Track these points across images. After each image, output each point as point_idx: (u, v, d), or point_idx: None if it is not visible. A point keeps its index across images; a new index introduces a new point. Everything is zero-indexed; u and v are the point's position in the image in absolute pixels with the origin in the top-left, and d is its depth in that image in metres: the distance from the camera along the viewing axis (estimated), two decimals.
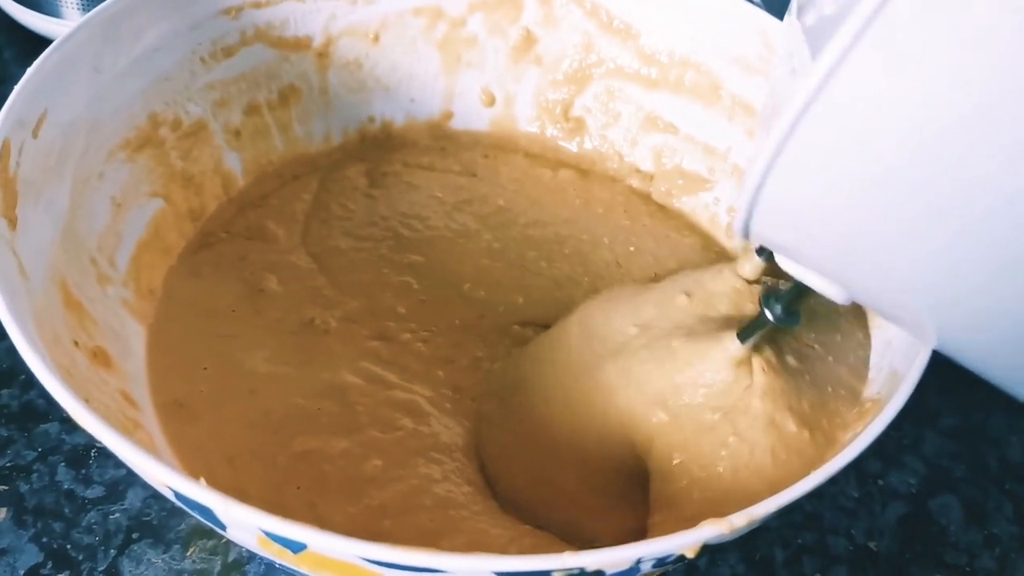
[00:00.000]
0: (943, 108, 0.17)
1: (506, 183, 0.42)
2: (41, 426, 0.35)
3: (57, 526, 0.33)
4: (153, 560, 0.32)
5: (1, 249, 0.27)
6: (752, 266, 0.30)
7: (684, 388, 0.29)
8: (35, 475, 0.34)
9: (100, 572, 0.32)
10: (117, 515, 0.33)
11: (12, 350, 0.24)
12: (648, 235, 0.41)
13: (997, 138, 0.17)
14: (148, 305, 0.34)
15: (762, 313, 0.27)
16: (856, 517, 0.36)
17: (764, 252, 0.30)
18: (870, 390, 0.29)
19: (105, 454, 0.35)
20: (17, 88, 0.29)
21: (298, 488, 0.29)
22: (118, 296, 0.33)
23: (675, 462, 0.29)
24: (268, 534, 0.21)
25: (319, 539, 0.20)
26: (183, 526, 0.33)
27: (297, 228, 0.39)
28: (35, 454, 0.35)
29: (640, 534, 0.29)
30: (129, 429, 0.28)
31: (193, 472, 0.29)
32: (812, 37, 0.20)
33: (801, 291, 0.26)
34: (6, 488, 0.34)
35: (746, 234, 0.23)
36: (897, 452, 0.38)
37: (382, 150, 0.43)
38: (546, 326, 0.35)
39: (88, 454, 0.35)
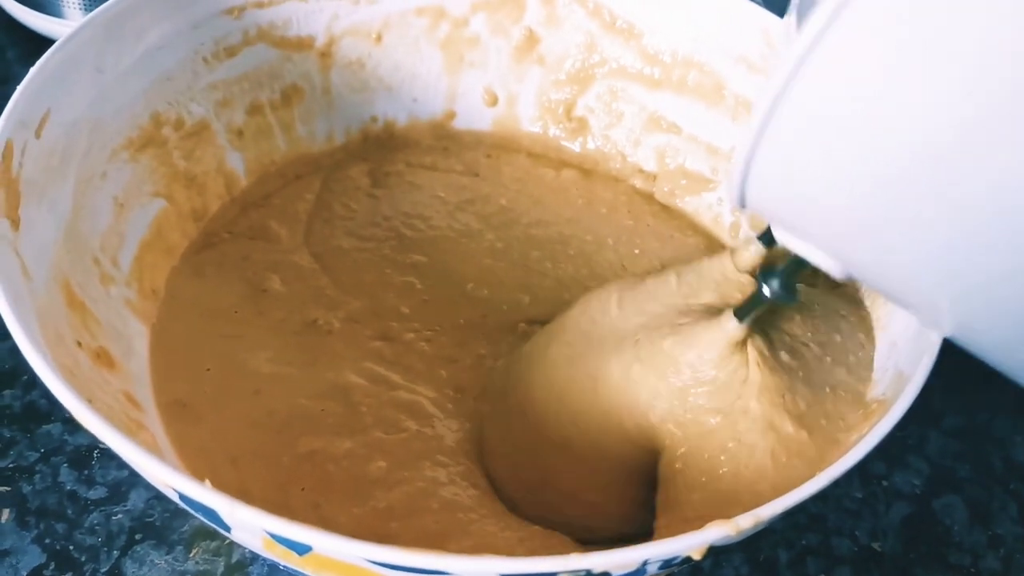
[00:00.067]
0: (936, 77, 0.17)
1: (509, 183, 0.42)
2: (44, 427, 0.35)
3: (60, 527, 0.33)
4: (156, 561, 0.32)
5: (4, 250, 0.27)
6: (749, 256, 0.30)
7: (685, 389, 0.29)
8: (38, 476, 0.34)
9: (103, 573, 0.32)
10: (120, 516, 0.33)
11: (14, 350, 0.24)
12: (652, 235, 0.41)
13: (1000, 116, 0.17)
14: (151, 305, 0.34)
15: (759, 289, 0.27)
16: (860, 518, 0.36)
17: (764, 238, 0.29)
18: (875, 391, 0.29)
19: (108, 455, 0.35)
20: (20, 88, 0.29)
21: (302, 489, 0.29)
22: (121, 296, 0.33)
23: (677, 466, 0.29)
24: (273, 536, 0.21)
25: (325, 541, 0.20)
26: (186, 527, 0.33)
27: (300, 228, 0.39)
28: (37, 455, 0.35)
29: (649, 533, 0.29)
30: (132, 430, 0.28)
31: (196, 473, 0.29)
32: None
33: (798, 266, 0.26)
34: (8, 489, 0.34)
35: (741, 202, 0.22)
36: (901, 453, 0.38)
37: (385, 150, 0.43)
38: None
39: (91, 455, 0.35)
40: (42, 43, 0.46)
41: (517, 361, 0.34)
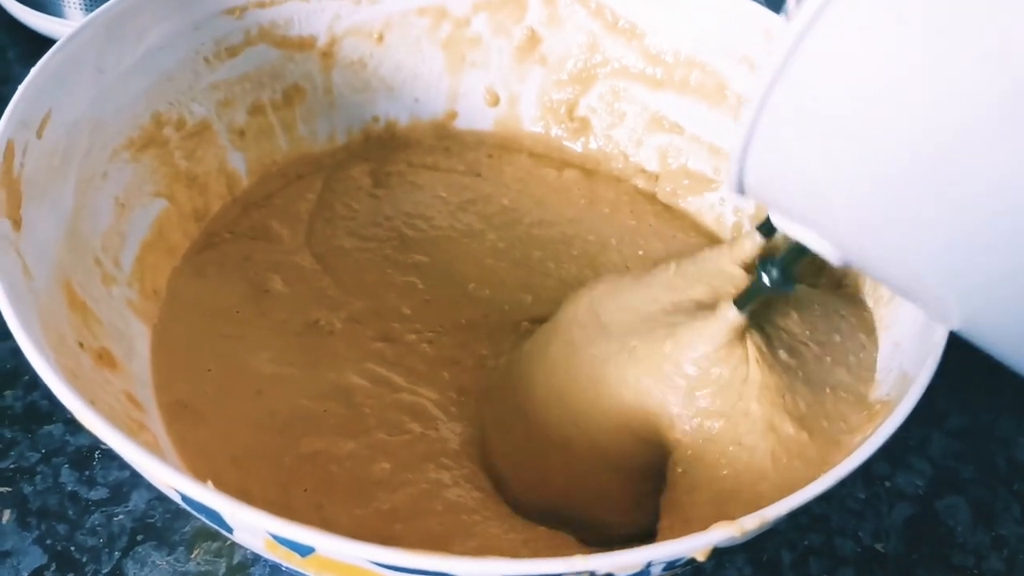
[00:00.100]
0: (933, 76, 0.17)
1: (510, 183, 0.42)
2: (45, 427, 0.35)
3: (61, 528, 0.33)
4: (157, 562, 0.32)
5: (5, 250, 0.26)
6: (747, 248, 0.30)
7: (690, 393, 0.28)
8: (39, 477, 0.34)
9: (104, 574, 0.32)
10: (121, 517, 0.33)
11: (16, 351, 0.24)
12: (655, 236, 0.41)
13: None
14: (152, 305, 0.34)
15: (759, 277, 0.27)
16: (863, 518, 0.36)
17: (764, 228, 0.29)
18: (878, 392, 0.29)
19: (109, 456, 0.35)
20: (21, 88, 0.29)
21: (305, 490, 0.29)
22: (122, 296, 0.33)
23: (679, 470, 0.29)
24: (276, 537, 0.21)
25: (328, 542, 0.20)
26: (187, 528, 0.33)
27: (301, 228, 0.39)
28: (39, 456, 0.34)
29: (654, 530, 0.29)
30: (134, 431, 0.28)
31: (198, 474, 0.29)
32: None
33: (798, 253, 0.25)
34: (9, 490, 0.34)
35: (740, 188, 0.22)
36: (904, 453, 0.38)
37: (386, 150, 0.43)
38: None
39: (92, 456, 0.35)
40: (43, 43, 0.46)
41: (517, 360, 0.34)
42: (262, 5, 0.38)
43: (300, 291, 0.36)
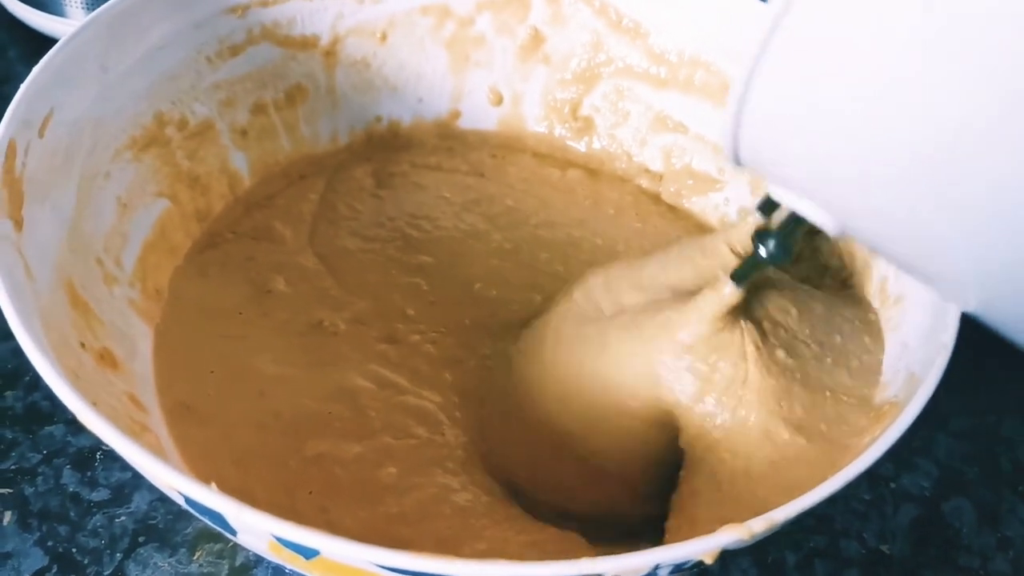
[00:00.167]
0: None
1: (514, 183, 0.42)
2: (46, 428, 0.35)
3: (62, 529, 0.32)
4: (159, 564, 0.32)
5: (7, 250, 0.26)
6: (742, 233, 0.30)
7: (697, 396, 0.28)
8: (40, 478, 0.34)
9: None
10: (123, 518, 0.33)
11: (16, 351, 0.24)
12: (661, 238, 0.40)
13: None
14: (154, 306, 0.34)
15: (755, 250, 0.27)
16: (868, 520, 0.36)
17: (764, 207, 0.28)
18: (885, 393, 0.28)
19: (111, 457, 0.34)
20: (23, 87, 0.29)
21: (310, 493, 0.29)
22: (124, 296, 0.33)
23: (682, 473, 0.29)
24: (280, 540, 0.20)
25: (333, 545, 0.20)
26: (190, 529, 0.33)
27: (304, 229, 0.39)
28: (40, 456, 0.34)
29: (663, 517, 0.29)
30: (136, 432, 0.28)
31: (201, 475, 0.29)
32: None
33: (795, 225, 0.25)
34: (10, 491, 0.33)
35: (736, 158, 0.22)
36: (909, 454, 0.38)
37: (389, 150, 0.43)
38: None
39: (93, 456, 0.34)
40: (44, 42, 0.46)
41: (511, 358, 0.34)
42: (264, 4, 0.38)
43: (303, 292, 0.36)
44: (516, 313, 0.36)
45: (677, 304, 0.29)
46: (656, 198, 0.42)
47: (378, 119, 0.43)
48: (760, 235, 0.26)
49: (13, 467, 0.34)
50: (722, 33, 0.39)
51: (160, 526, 0.33)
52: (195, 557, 0.32)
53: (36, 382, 0.36)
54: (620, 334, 0.30)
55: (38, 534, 0.32)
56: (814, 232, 0.36)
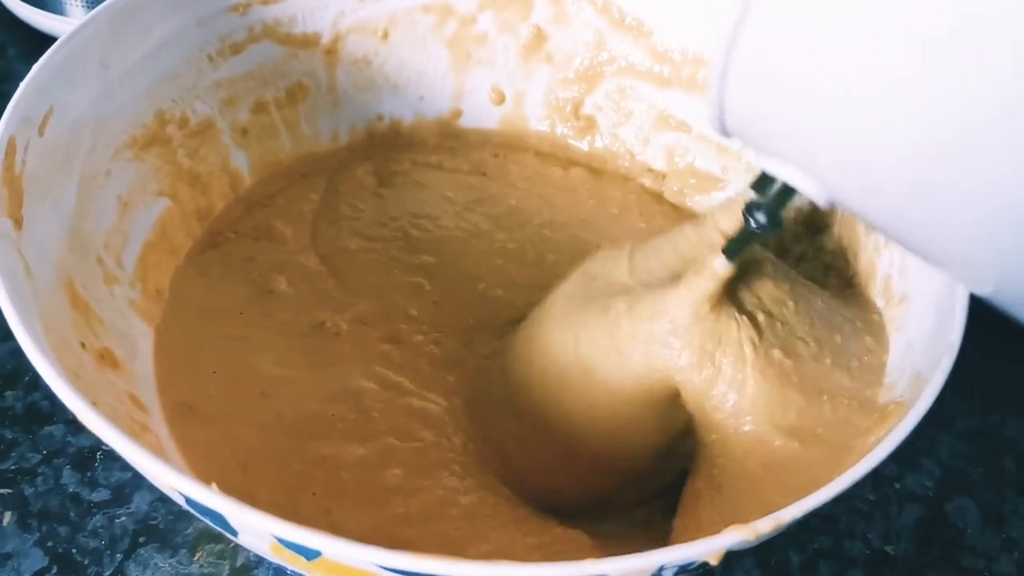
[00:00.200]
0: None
1: (517, 182, 0.42)
2: (46, 428, 0.35)
3: (62, 530, 0.32)
4: (160, 564, 0.32)
5: (7, 249, 0.26)
6: (732, 216, 0.30)
7: (704, 393, 0.28)
8: (40, 478, 0.34)
9: None
10: (123, 519, 0.33)
11: (16, 351, 0.23)
12: None
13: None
14: (155, 306, 0.34)
15: (746, 223, 0.26)
16: (872, 520, 0.35)
17: (757, 185, 0.28)
18: (890, 394, 0.28)
19: (111, 457, 0.34)
20: (23, 85, 0.29)
21: (313, 494, 0.29)
22: (125, 296, 0.33)
23: (689, 472, 0.29)
24: (282, 541, 0.20)
25: (335, 546, 0.20)
26: (190, 530, 0.32)
27: (305, 228, 0.38)
28: (40, 457, 0.34)
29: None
30: (137, 432, 0.28)
31: (202, 476, 0.29)
32: None
33: (783, 195, 0.25)
34: (10, 491, 0.33)
35: (723, 129, 0.22)
36: (913, 455, 0.38)
37: (390, 149, 0.43)
38: None
39: (94, 457, 0.34)
40: (43, 41, 0.45)
41: (505, 354, 0.34)
42: (265, 2, 0.38)
43: (305, 292, 0.36)
44: (521, 312, 0.36)
45: (670, 285, 0.29)
46: (659, 197, 0.42)
47: (379, 118, 0.43)
48: (749, 208, 0.27)
49: (13, 467, 0.34)
50: (725, 32, 0.39)
51: (161, 526, 0.33)
52: (196, 558, 0.32)
53: (36, 382, 0.36)
54: (614, 317, 0.30)
55: (38, 534, 0.32)
56: (817, 231, 0.36)
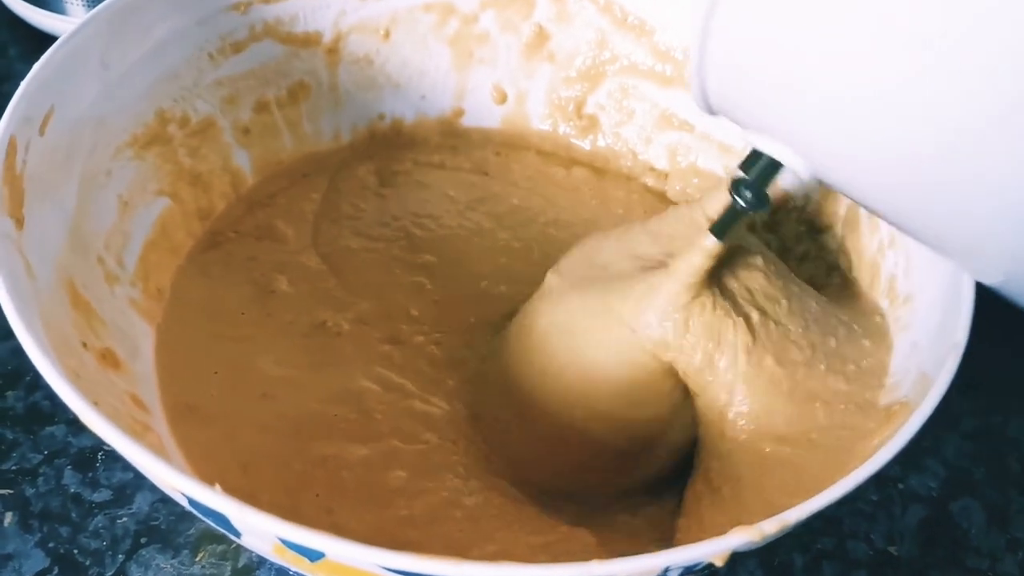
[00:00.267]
0: None
1: (519, 181, 0.42)
2: (47, 428, 0.35)
3: (64, 531, 0.32)
4: (162, 565, 0.32)
5: (8, 249, 0.26)
6: (719, 198, 0.30)
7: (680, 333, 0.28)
8: (41, 478, 0.34)
9: None
10: (125, 519, 0.33)
11: (17, 351, 0.23)
12: None
13: None
14: (156, 305, 0.34)
15: (733, 201, 0.27)
16: (876, 521, 0.35)
17: (747, 164, 0.28)
18: (895, 394, 0.28)
19: (112, 457, 0.34)
20: (24, 84, 0.29)
21: (316, 495, 0.29)
22: (126, 296, 0.33)
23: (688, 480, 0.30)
24: (286, 542, 0.20)
25: (338, 547, 0.19)
26: (192, 530, 0.32)
27: (307, 228, 0.38)
28: (41, 457, 0.34)
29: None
30: (138, 432, 0.27)
31: (204, 476, 0.29)
32: None
33: (769, 171, 0.26)
34: (11, 492, 0.33)
35: (707, 106, 0.23)
36: (916, 455, 0.38)
37: (392, 148, 0.43)
38: None
39: (95, 457, 0.34)
40: (44, 40, 0.45)
41: (500, 348, 0.34)
42: (267, 1, 0.38)
43: (306, 292, 0.36)
44: None
45: (662, 266, 0.29)
46: (662, 196, 0.42)
47: (381, 117, 0.43)
48: (736, 185, 0.27)
49: (14, 468, 0.34)
50: None
51: (162, 527, 0.32)
52: (197, 558, 0.32)
53: (37, 382, 0.36)
54: (607, 298, 0.30)
55: (39, 535, 0.32)
56: (819, 231, 0.36)
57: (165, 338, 0.33)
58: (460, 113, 0.44)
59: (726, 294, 0.29)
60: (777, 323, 0.29)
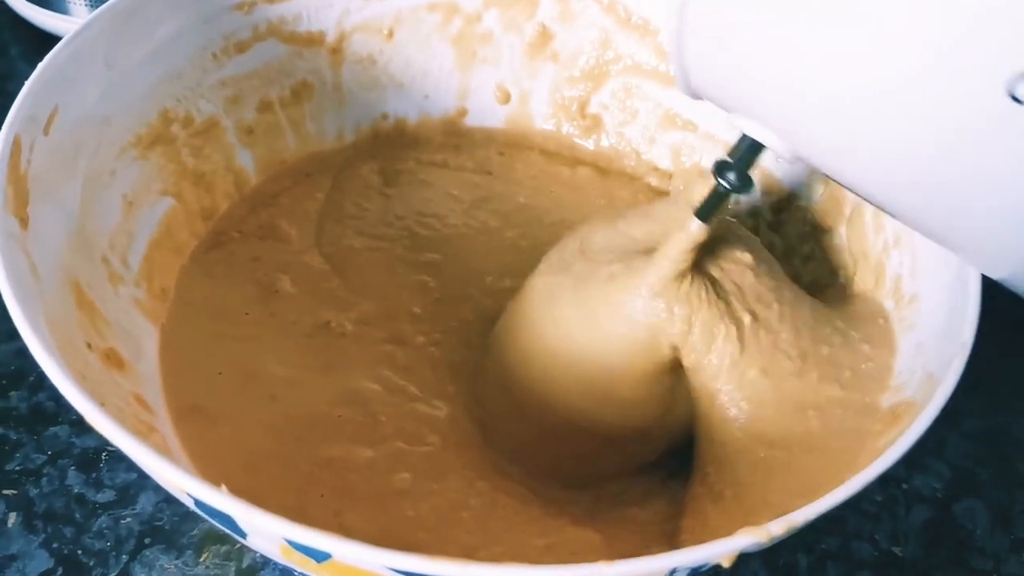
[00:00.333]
0: None
1: (523, 180, 0.42)
2: (50, 429, 0.35)
3: (67, 531, 0.32)
4: (165, 566, 0.32)
5: (13, 249, 0.26)
6: (704, 183, 0.30)
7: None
8: (45, 479, 0.33)
9: None
10: (128, 520, 0.33)
11: (20, 351, 0.23)
12: None
13: None
14: (160, 305, 0.34)
15: (717, 184, 0.27)
16: (880, 522, 0.35)
17: (740, 144, 0.28)
18: (900, 395, 0.28)
19: (116, 457, 0.34)
20: (29, 82, 0.29)
21: (322, 496, 0.28)
22: (130, 296, 0.32)
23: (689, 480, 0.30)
24: (293, 543, 0.20)
25: (346, 548, 0.19)
26: (196, 531, 0.32)
27: (310, 228, 0.38)
28: (44, 457, 0.34)
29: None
30: (143, 433, 0.27)
31: (209, 476, 0.29)
32: None
33: (752, 153, 0.26)
34: (15, 492, 0.33)
35: (690, 91, 0.23)
36: (920, 455, 0.38)
37: (395, 148, 0.43)
38: None
39: (99, 457, 0.34)
40: (46, 40, 0.45)
41: (494, 343, 0.34)
42: (271, 1, 0.38)
43: (310, 292, 0.36)
44: None
45: (647, 255, 0.29)
46: (666, 196, 0.42)
47: (384, 116, 0.43)
48: (719, 168, 0.27)
49: (18, 468, 0.34)
50: None
51: (166, 528, 0.32)
52: (202, 559, 0.32)
53: (40, 382, 0.36)
54: (597, 285, 0.30)
55: (43, 536, 0.32)
56: (824, 231, 0.36)
57: (169, 338, 0.33)
58: (463, 113, 0.44)
59: (716, 285, 0.29)
60: (768, 330, 0.29)
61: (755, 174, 0.39)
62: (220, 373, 0.32)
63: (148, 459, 0.21)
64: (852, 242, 0.35)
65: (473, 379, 0.34)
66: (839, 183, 0.24)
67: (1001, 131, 0.18)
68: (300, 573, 0.24)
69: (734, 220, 0.32)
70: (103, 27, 0.32)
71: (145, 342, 0.32)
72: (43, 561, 0.31)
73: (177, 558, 0.32)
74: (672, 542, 0.29)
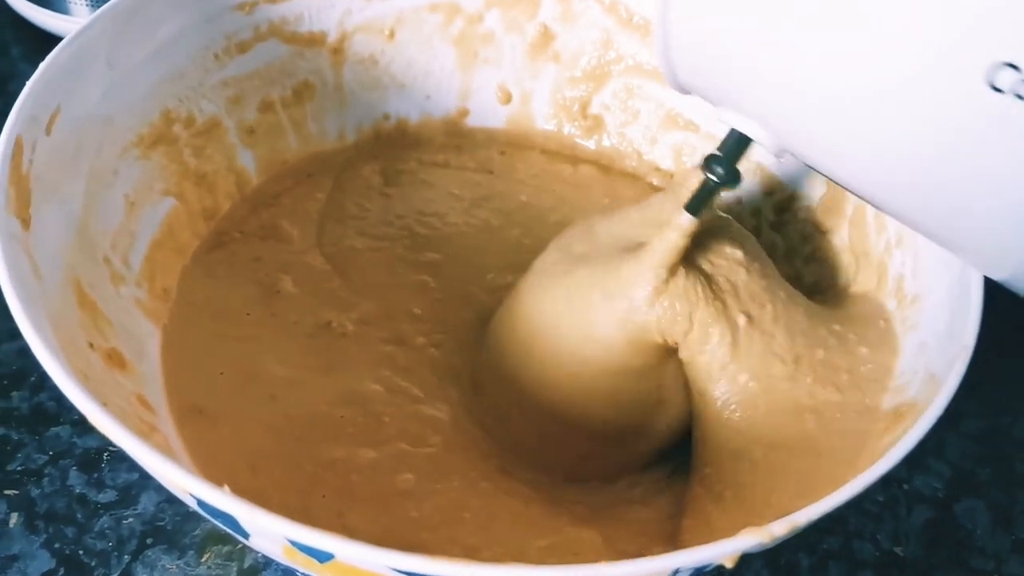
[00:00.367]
0: None
1: (525, 179, 0.42)
2: (52, 429, 0.35)
3: (69, 531, 0.32)
4: (167, 566, 0.32)
5: (15, 250, 0.26)
6: (693, 181, 0.30)
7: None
8: (46, 479, 0.33)
9: None
10: (130, 520, 0.33)
11: (21, 351, 0.23)
12: None
13: None
14: (162, 305, 0.34)
15: (705, 177, 0.27)
16: (881, 522, 0.35)
17: (728, 138, 0.28)
18: (902, 396, 0.28)
19: (118, 458, 0.34)
20: (31, 82, 0.29)
21: (324, 496, 0.28)
22: (132, 296, 0.32)
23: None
24: (296, 544, 0.20)
25: (349, 549, 0.19)
26: (198, 531, 0.32)
27: (312, 228, 0.38)
28: (46, 458, 0.34)
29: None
30: (145, 433, 0.27)
31: (211, 477, 0.28)
32: None
33: (739, 146, 0.26)
34: (16, 493, 0.33)
35: (678, 85, 0.23)
36: (921, 456, 0.38)
37: (397, 148, 0.43)
38: None
39: (100, 458, 0.34)
40: (46, 40, 0.45)
41: (488, 339, 0.34)
42: (272, 1, 0.38)
43: (311, 292, 0.36)
44: None
45: (637, 251, 0.29)
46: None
47: (386, 117, 0.43)
48: (707, 161, 0.27)
49: (19, 468, 0.34)
50: None
51: (168, 528, 0.32)
52: (203, 559, 0.32)
53: (42, 382, 0.36)
54: (590, 280, 0.30)
55: (45, 536, 0.32)
56: (826, 231, 0.36)
57: (171, 339, 0.33)
58: (465, 113, 0.44)
59: (711, 281, 0.29)
60: (763, 332, 0.29)
61: (757, 174, 0.40)
62: (222, 373, 0.32)
63: (151, 459, 0.21)
64: (854, 242, 0.35)
65: (473, 374, 0.34)
66: (837, 183, 0.24)
67: (1000, 130, 0.18)
68: (302, 574, 0.24)
69: (729, 217, 0.32)
70: (105, 27, 0.32)
71: (147, 342, 0.32)
72: (45, 561, 0.31)
73: (179, 558, 0.32)
74: (673, 542, 0.29)
